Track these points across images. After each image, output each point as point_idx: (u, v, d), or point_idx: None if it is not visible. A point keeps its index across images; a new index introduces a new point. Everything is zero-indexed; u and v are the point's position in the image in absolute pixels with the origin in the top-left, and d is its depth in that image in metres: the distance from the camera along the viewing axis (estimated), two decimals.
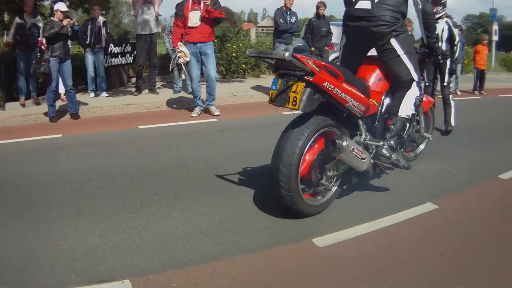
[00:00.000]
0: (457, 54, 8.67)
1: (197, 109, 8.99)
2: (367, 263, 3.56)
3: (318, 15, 11.89)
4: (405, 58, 4.65)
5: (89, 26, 10.43)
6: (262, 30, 50.73)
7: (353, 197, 4.91)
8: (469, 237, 4.10)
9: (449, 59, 7.86)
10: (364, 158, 4.35)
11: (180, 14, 8.57)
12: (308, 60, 3.82)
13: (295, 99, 3.91)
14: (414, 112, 4.95)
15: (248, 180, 5.29)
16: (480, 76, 15.81)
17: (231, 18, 22.32)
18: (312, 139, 4.12)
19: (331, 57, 13.28)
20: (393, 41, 4.57)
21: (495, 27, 28.56)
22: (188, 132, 7.77)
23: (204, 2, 8.41)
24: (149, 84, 11.42)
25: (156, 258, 3.52)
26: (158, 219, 4.27)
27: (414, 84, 4.82)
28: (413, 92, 4.85)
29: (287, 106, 4.01)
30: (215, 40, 14.07)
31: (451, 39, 8.11)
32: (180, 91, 11.10)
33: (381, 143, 4.65)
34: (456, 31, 8.33)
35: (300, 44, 14.36)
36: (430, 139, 6.04)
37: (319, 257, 3.64)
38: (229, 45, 13.98)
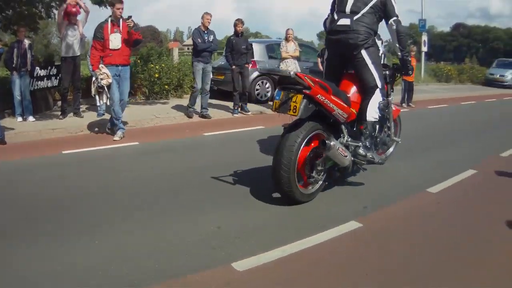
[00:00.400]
0: None
1: (119, 132, 8.80)
2: (289, 286, 3.54)
3: (236, 33, 11.94)
4: (372, 68, 5.71)
5: (15, 49, 10.15)
6: (188, 48, 50.64)
7: (274, 219, 4.92)
8: (394, 256, 4.15)
9: None
10: (347, 156, 5.40)
11: (99, 36, 8.44)
12: (305, 77, 4.92)
13: (295, 107, 4.98)
14: (379, 115, 5.87)
15: (169, 205, 5.24)
16: (408, 88, 16.33)
17: (157, 37, 22.37)
18: (306, 140, 5.13)
19: (253, 75, 13.51)
20: (364, 52, 5.67)
21: (424, 37, 29.58)
22: (110, 157, 7.61)
23: (127, 24, 8.44)
24: (73, 108, 11.11)
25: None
26: (76, 247, 4.13)
27: (377, 91, 5.77)
28: (377, 98, 5.78)
29: (288, 113, 5.08)
30: (139, 61, 14.01)
31: None
32: (103, 114, 10.83)
33: (359, 143, 5.68)
34: (379, 43, 8.46)
35: (222, 63, 14.47)
36: (399, 142, 6.97)
37: (238, 282, 3.57)
38: (152, 65, 13.80)
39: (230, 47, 11.87)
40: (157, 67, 13.79)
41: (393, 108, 6.59)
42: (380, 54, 8.13)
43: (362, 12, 5.72)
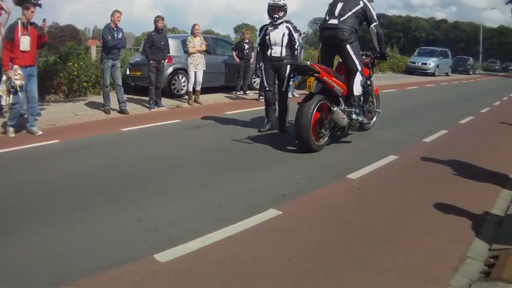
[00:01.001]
0: (298, 58, 9.49)
1: (34, 128, 8.81)
2: (210, 276, 3.59)
3: (157, 29, 12.02)
4: (354, 57, 7.66)
5: None
6: None
7: (193, 210, 4.98)
8: (313, 242, 4.25)
9: (288, 65, 8.42)
10: (344, 118, 7.64)
11: (10, 37, 8.32)
12: (316, 65, 7.25)
13: (309, 85, 7.23)
14: (362, 90, 7.91)
15: (90, 201, 5.19)
16: None
17: (76, 36, 22.04)
18: (317, 107, 7.28)
19: (169, 70, 13.79)
20: (348, 46, 7.59)
21: None
22: (30, 156, 7.40)
23: (41, 27, 8.63)
24: None
25: None
26: None
27: (358, 73, 7.69)
28: (358, 78, 7.71)
29: (306, 90, 7.43)
30: (58, 60, 13.82)
31: (291, 43, 8.73)
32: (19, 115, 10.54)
33: (352, 109, 7.78)
34: (296, 36, 8.75)
35: (139, 59, 14.54)
36: (381, 112, 9.38)
37: (162, 273, 3.61)
38: (71, 63, 13.60)
39: (150, 43, 11.91)
40: (75, 65, 13.57)
41: (375, 87, 9.16)
42: (296, 46, 9.21)
43: (347, 15, 7.56)
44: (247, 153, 7.59)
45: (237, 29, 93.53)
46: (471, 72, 43.50)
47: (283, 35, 8.62)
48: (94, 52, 15.86)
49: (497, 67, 59.72)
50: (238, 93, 15.19)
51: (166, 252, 3.91)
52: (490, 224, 4.93)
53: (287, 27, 8.70)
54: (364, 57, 8.36)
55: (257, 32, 10.36)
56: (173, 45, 14.13)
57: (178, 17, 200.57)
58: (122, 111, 11.30)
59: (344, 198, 5.54)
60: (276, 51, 8.70)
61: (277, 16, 8.56)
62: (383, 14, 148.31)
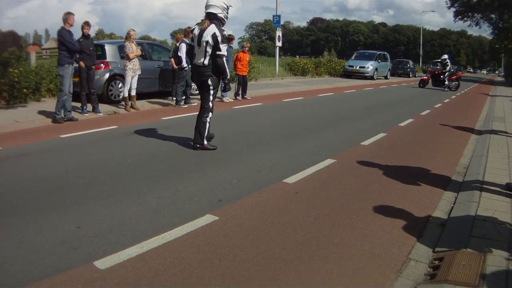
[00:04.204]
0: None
1: None
2: (151, 281, 3.66)
3: (84, 35, 11.94)
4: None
5: None
6: (46, 52, 48.60)
7: (130, 216, 5.01)
8: (250, 247, 4.35)
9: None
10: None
11: None
12: None
13: None
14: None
15: (28, 209, 5.20)
16: (243, 82, 17.01)
17: (17, 42, 21.71)
18: None
19: (106, 76, 14.01)
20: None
21: (279, 33, 30.38)
22: None
23: None
24: None
25: None
26: None
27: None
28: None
29: None
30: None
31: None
32: None
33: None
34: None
35: (76, 66, 14.34)
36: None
37: (102, 280, 3.65)
38: (11, 70, 13.37)
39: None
40: (16, 71, 13.36)
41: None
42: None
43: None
44: (183, 158, 7.65)
45: (174, 35, 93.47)
46: (411, 75, 44.53)
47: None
48: (33, 58, 15.64)
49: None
50: (174, 98, 15.23)
51: (106, 259, 3.97)
52: (433, 226, 5.08)
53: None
54: None
55: None
56: (110, 51, 14.23)
57: (115, 22, 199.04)
58: (70, 119, 11.21)
59: (281, 203, 5.59)
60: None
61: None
62: (320, 18, 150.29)
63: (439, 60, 29.56)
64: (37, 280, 3.61)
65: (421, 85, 28.63)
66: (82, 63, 11.79)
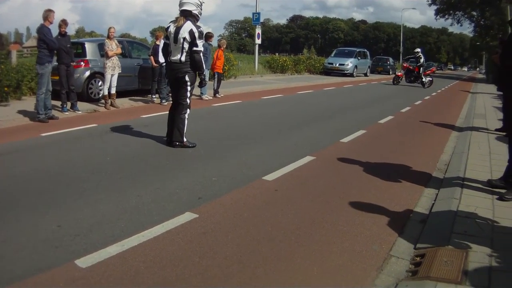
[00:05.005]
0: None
1: None
2: (132, 279, 3.69)
3: (61, 33, 11.88)
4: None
5: None
6: (28, 50, 48.22)
7: (110, 215, 5.03)
8: (230, 244, 4.39)
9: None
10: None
11: None
12: None
13: None
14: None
15: (8, 208, 5.19)
16: (218, 79, 17.10)
17: (0, 40, 21.50)
18: None
19: (86, 74, 13.94)
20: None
21: (258, 30, 30.35)
22: None
23: None
24: None
25: None
26: None
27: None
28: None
29: None
30: None
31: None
32: None
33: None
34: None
35: (55, 64, 14.32)
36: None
37: (84, 279, 3.67)
38: None
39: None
40: None
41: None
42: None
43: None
44: (163, 156, 7.69)
45: (153, 32, 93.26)
46: (391, 72, 44.50)
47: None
48: (14, 57, 15.51)
49: None
50: (153, 96, 15.25)
51: (87, 257, 3.99)
52: (414, 222, 5.13)
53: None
54: None
55: None
56: (90, 49, 14.20)
57: (96, 20, 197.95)
58: (51, 117, 11.16)
59: (260, 200, 5.64)
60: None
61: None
62: (300, 16, 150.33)
63: (412, 56, 29.44)
64: (20, 280, 3.63)
65: (394, 82, 28.56)
66: (62, 65, 11.82)
